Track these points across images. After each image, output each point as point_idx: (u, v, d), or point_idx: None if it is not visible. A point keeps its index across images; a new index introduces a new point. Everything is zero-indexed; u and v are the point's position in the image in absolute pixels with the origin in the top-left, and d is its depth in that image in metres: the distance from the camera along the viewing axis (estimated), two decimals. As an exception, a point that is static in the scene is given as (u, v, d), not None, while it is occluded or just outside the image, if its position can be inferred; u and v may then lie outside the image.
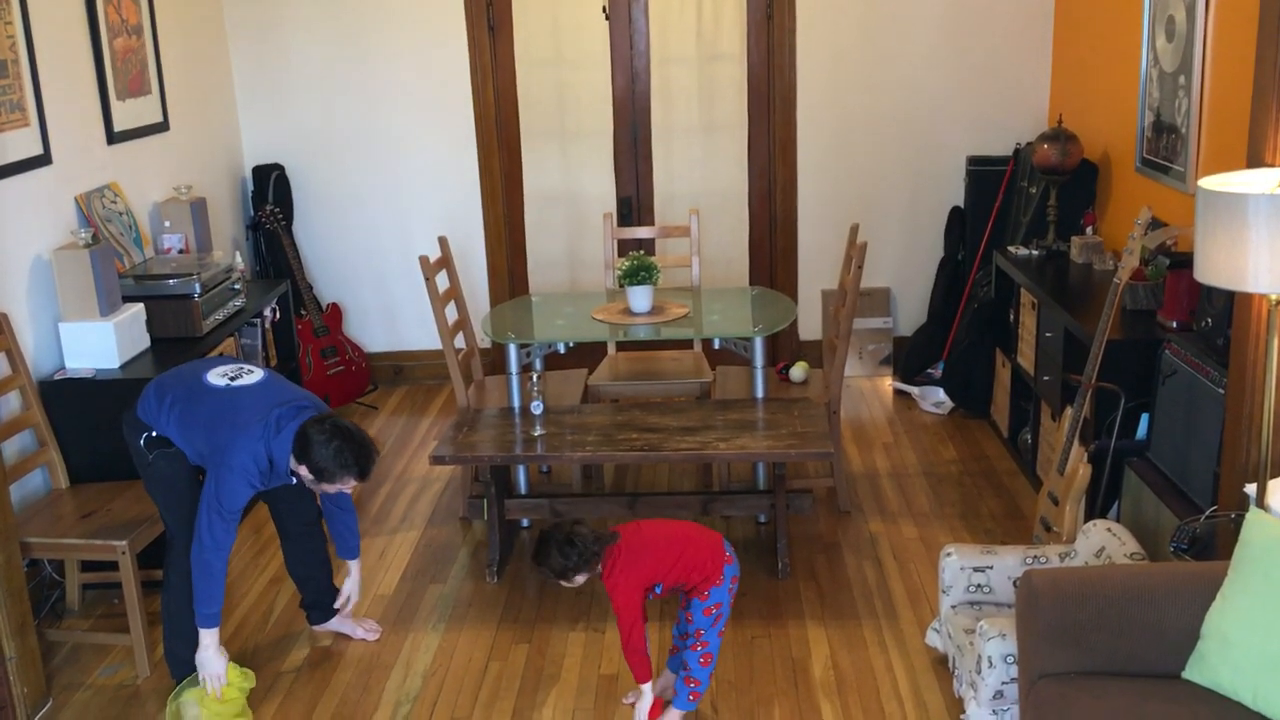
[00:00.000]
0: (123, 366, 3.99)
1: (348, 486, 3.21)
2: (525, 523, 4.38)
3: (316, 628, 3.69)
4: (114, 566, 3.49)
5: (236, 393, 3.26)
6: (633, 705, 3.23)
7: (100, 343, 3.96)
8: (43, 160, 4.01)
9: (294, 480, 3.24)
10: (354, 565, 3.60)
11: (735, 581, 3.10)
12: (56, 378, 3.90)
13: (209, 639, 3.21)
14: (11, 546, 3.20)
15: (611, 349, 4.92)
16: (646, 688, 3.09)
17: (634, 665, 3.06)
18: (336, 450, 3.09)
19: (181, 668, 3.33)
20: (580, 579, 3.03)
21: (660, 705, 3.15)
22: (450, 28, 5.66)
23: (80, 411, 3.85)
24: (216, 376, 3.31)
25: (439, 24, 5.65)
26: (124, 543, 3.41)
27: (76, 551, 3.50)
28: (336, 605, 3.63)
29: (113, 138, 4.54)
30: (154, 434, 3.28)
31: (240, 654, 3.61)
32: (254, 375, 3.33)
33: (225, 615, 3.79)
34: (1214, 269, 2.67)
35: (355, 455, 3.12)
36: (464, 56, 5.68)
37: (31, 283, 3.92)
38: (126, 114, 4.65)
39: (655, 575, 3.02)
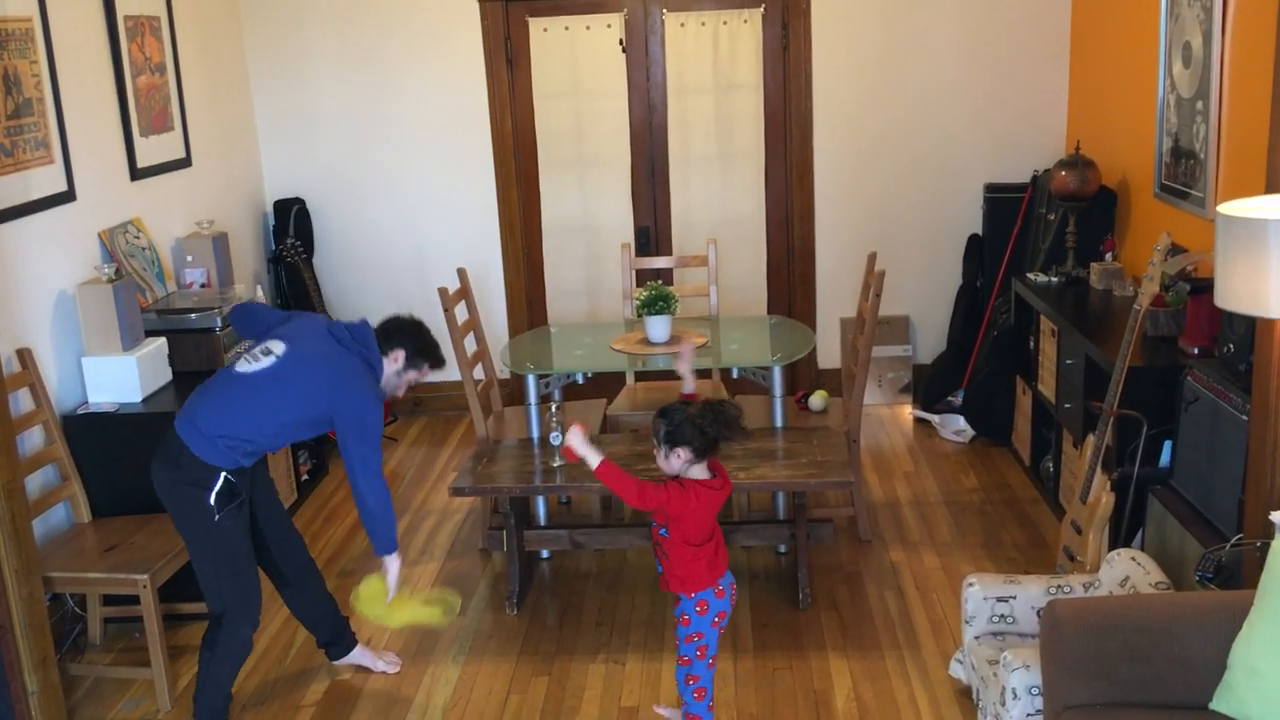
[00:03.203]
0: (145, 400, 4.02)
1: (426, 372, 3.38)
2: (545, 554, 4.38)
3: (336, 662, 3.69)
4: (135, 600, 3.50)
5: (287, 361, 3.19)
6: (666, 718, 3.27)
7: (123, 377, 3.99)
8: (67, 197, 4.06)
9: (385, 392, 3.31)
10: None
11: (722, 616, 3.05)
12: (79, 412, 3.94)
13: (397, 563, 3.35)
14: (34, 581, 3.21)
15: (630, 379, 4.92)
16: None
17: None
18: (416, 328, 3.35)
19: None
20: (677, 462, 2.91)
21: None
22: (469, 62, 5.71)
23: (103, 445, 3.88)
24: (249, 364, 3.21)
25: (458, 59, 5.71)
26: (145, 576, 3.42)
27: (98, 585, 3.52)
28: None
29: (136, 174, 4.60)
30: (223, 480, 3.14)
31: (260, 688, 3.61)
32: (278, 346, 3.23)
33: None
34: (1234, 294, 2.65)
35: (428, 337, 3.38)
36: (482, 90, 5.73)
37: (55, 317, 3.96)
38: (150, 150, 4.71)
39: (696, 526, 2.99)
